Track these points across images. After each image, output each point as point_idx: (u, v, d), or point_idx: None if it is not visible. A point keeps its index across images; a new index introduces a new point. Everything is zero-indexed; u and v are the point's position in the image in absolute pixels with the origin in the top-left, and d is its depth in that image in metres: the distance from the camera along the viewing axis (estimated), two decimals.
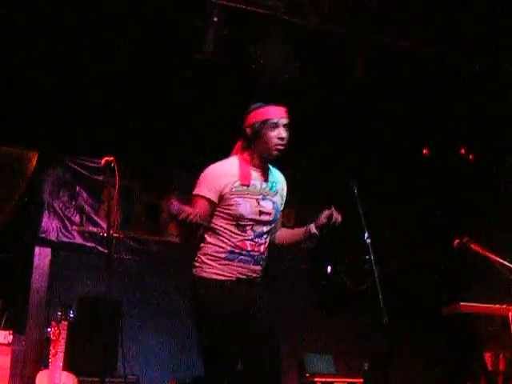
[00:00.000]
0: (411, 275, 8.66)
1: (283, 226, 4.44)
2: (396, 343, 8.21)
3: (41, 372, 6.28)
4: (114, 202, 4.65)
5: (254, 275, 4.04)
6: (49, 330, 6.41)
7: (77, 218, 7.90)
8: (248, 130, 4.04)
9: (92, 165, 7.94)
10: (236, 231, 3.96)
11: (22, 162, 7.58)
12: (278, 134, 3.99)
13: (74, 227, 7.87)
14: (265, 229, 4.05)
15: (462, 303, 5.54)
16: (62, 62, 6.68)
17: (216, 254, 3.97)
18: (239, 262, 3.97)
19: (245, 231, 3.96)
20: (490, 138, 8.18)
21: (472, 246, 5.62)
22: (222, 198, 3.95)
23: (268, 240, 4.12)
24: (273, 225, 4.13)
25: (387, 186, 8.52)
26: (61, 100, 7.12)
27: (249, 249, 3.98)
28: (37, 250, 7.65)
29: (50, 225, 7.72)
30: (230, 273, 3.96)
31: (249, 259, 3.99)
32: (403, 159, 8.41)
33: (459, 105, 7.51)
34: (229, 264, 3.96)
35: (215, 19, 6.12)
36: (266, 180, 4.12)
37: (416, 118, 7.75)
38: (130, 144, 7.51)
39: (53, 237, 7.72)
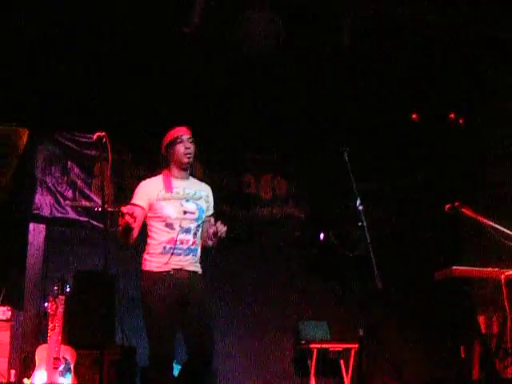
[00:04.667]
0: (404, 241, 8.70)
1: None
2: (390, 308, 8.28)
3: (40, 346, 6.32)
4: (107, 177, 4.70)
5: (188, 265, 4.87)
6: (46, 304, 6.45)
7: (69, 193, 7.89)
8: (163, 151, 5.07)
9: (82, 139, 7.93)
10: (165, 229, 4.84)
11: (13, 140, 7.58)
12: (184, 146, 4.96)
13: (67, 202, 7.86)
14: (191, 226, 4.89)
15: (454, 267, 5.58)
16: (50, 38, 6.66)
17: (153, 251, 4.87)
18: (172, 254, 4.79)
19: (173, 228, 4.83)
20: (480, 102, 8.20)
21: (463, 210, 5.66)
22: (151, 204, 4.87)
23: (197, 236, 4.93)
24: (199, 223, 4.95)
25: (377, 153, 8.53)
26: (49, 75, 7.10)
27: (178, 243, 4.81)
28: (31, 226, 7.69)
29: (43, 201, 7.72)
30: (166, 264, 4.79)
31: (180, 251, 4.83)
32: (393, 125, 8.41)
33: (448, 69, 7.52)
34: (164, 257, 4.80)
35: None
36: (189, 187, 5.01)
37: (405, 83, 7.75)
38: (120, 118, 7.49)
39: (46, 213, 7.73)
